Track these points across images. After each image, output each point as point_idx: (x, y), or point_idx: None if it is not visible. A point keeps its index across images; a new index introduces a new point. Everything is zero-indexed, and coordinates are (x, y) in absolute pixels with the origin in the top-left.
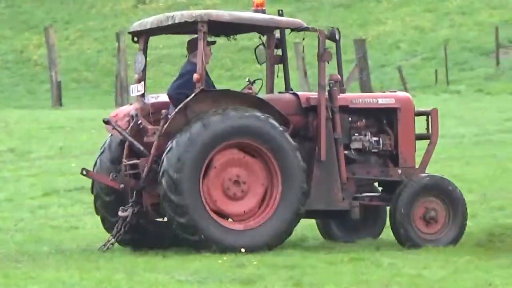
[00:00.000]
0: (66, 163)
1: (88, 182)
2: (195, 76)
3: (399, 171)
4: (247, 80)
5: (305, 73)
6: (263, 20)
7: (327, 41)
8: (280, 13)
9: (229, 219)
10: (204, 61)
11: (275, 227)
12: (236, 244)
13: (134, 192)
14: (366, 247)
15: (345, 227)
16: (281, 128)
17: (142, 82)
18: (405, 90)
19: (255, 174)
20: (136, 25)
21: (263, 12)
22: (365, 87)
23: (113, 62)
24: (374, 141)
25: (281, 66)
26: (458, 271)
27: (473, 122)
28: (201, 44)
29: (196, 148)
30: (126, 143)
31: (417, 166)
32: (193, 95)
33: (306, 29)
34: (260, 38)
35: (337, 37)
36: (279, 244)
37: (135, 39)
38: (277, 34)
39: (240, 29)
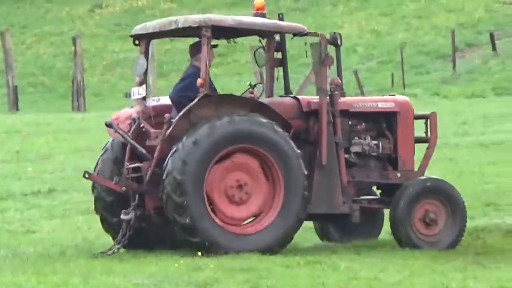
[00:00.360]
0: (22, 167)
1: (44, 186)
2: (199, 80)
3: (398, 175)
4: (248, 84)
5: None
6: (266, 25)
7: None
8: (281, 17)
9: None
10: (208, 65)
11: (276, 232)
12: (237, 248)
13: (137, 196)
14: (323, 250)
15: (343, 229)
16: (285, 134)
17: (144, 85)
18: (362, 93)
19: (258, 179)
20: (138, 29)
21: (263, 15)
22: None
23: (69, 66)
24: (374, 144)
25: (281, 69)
26: (414, 274)
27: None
28: (204, 49)
29: (201, 150)
30: (128, 146)
31: (416, 170)
32: (196, 99)
33: (308, 34)
34: (260, 41)
35: (339, 41)
36: (281, 249)
37: (136, 42)
38: (277, 37)
39: (241, 33)
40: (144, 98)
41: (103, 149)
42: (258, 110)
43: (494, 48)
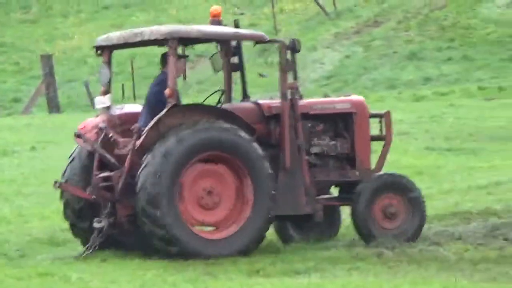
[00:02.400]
0: None
1: None
2: (167, 91)
3: (357, 173)
4: (218, 89)
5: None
6: (230, 35)
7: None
8: (236, 23)
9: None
10: (175, 76)
11: (249, 234)
12: (214, 253)
13: (108, 204)
14: (54, 262)
15: (301, 228)
16: (249, 138)
17: (109, 95)
18: (92, 105)
19: (227, 184)
20: (101, 40)
21: (219, 22)
22: (52, 102)
23: None
24: (332, 145)
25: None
26: (146, 285)
27: None
28: (172, 61)
29: (171, 162)
30: (96, 155)
31: (373, 167)
32: (165, 110)
33: (269, 41)
34: (216, 46)
35: (297, 47)
36: (253, 250)
37: (99, 52)
38: (233, 42)
39: (204, 41)
40: (108, 107)
41: (70, 157)
42: (223, 117)
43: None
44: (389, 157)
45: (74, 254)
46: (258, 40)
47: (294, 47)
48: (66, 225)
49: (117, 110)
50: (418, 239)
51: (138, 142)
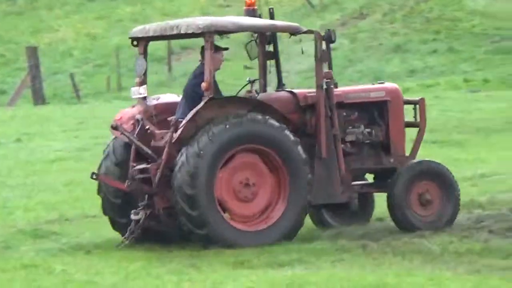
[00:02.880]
0: None
1: None
2: (203, 85)
3: (392, 160)
4: (247, 80)
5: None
6: (266, 27)
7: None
8: (271, 11)
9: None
10: (212, 69)
11: (288, 221)
12: (258, 244)
13: (146, 196)
14: (39, 253)
15: (336, 214)
16: (280, 126)
17: (145, 85)
18: (77, 97)
19: (263, 174)
20: (137, 31)
21: (254, 10)
22: (38, 95)
23: None
24: (367, 132)
25: (273, 62)
26: (129, 277)
27: None
28: (208, 54)
29: (205, 161)
30: (133, 147)
31: (407, 154)
32: (202, 103)
33: (305, 32)
34: (252, 34)
35: (333, 38)
36: (295, 236)
37: (135, 43)
38: None
39: (239, 31)
40: (144, 98)
41: (105, 150)
42: (257, 108)
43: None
44: None
45: (58, 246)
46: (294, 32)
47: (329, 38)
48: (50, 216)
49: (153, 101)
50: (403, 232)
51: (176, 135)
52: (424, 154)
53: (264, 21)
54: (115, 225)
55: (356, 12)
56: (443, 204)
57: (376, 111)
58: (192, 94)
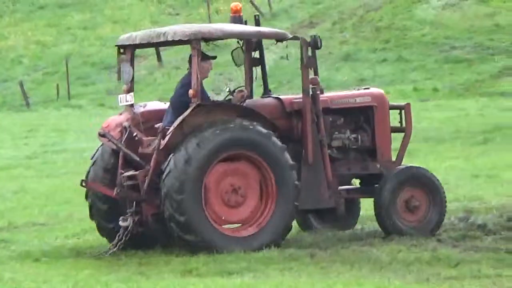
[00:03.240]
0: None
1: None
2: (191, 91)
3: (378, 165)
4: (227, 90)
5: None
6: (253, 33)
7: None
8: (257, 18)
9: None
10: (199, 77)
11: (276, 227)
12: (247, 249)
13: (134, 202)
14: None
15: (322, 219)
16: (267, 132)
17: (132, 93)
18: (27, 105)
19: (250, 180)
20: (124, 39)
21: (240, 18)
22: None
23: None
24: (353, 138)
25: (259, 68)
26: (78, 285)
27: (95, 136)
28: (195, 61)
29: (193, 168)
30: (121, 154)
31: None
32: (189, 110)
33: (290, 38)
34: (238, 41)
35: (319, 44)
36: (282, 240)
37: (121, 50)
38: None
39: (226, 38)
40: (132, 105)
41: (93, 157)
42: (243, 114)
43: (159, 59)
44: None
45: (7, 254)
46: (280, 38)
47: (315, 44)
48: None
49: (140, 108)
50: (352, 240)
51: (163, 142)
52: None
53: (251, 28)
54: (101, 230)
55: (305, 21)
56: (429, 210)
57: (362, 116)
58: (179, 103)
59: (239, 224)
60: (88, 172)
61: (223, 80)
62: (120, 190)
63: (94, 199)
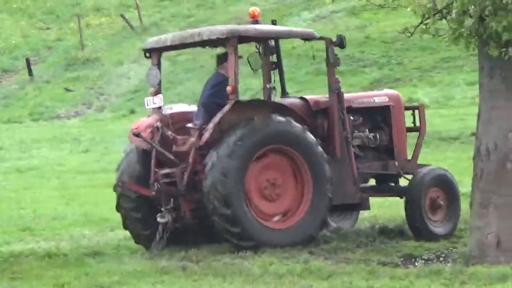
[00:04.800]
0: None
1: None
2: (229, 88)
3: (396, 164)
4: (268, 86)
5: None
6: (285, 33)
7: None
8: (274, 22)
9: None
10: (236, 73)
11: (313, 220)
12: (285, 242)
13: (171, 199)
14: None
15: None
16: (301, 127)
17: (160, 95)
18: None
19: (287, 174)
20: (153, 42)
21: (258, 22)
22: None
23: None
24: (372, 136)
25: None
26: None
27: None
28: (232, 59)
29: (236, 161)
30: (153, 153)
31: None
32: (228, 106)
33: (318, 38)
34: (256, 46)
35: (344, 43)
36: (319, 233)
37: (147, 54)
38: (272, 41)
39: (258, 40)
40: (159, 108)
41: (122, 160)
42: (278, 110)
43: (30, 73)
44: None
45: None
46: (309, 37)
47: (340, 43)
48: None
49: (168, 110)
50: (224, 253)
51: (204, 139)
52: None
53: (282, 28)
54: (137, 238)
55: None
56: (448, 211)
57: (380, 116)
58: (210, 104)
59: (278, 217)
60: (120, 173)
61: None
62: (160, 186)
63: (128, 209)
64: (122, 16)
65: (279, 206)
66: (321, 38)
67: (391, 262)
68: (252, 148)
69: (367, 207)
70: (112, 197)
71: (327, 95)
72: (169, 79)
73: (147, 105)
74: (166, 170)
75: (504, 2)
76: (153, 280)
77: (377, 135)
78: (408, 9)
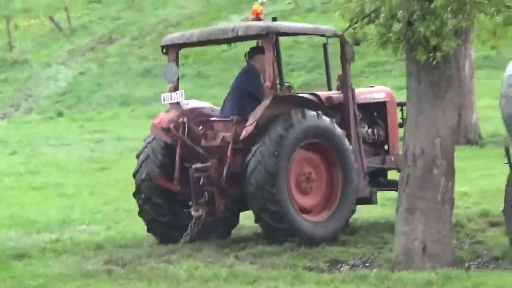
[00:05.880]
0: None
1: None
2: (267, 83)
3: (392, 158)
4: (287, 84)
5: None
6: (311, 29)
7: None
8: (274, 19)
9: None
10: (274, 69)
11: (345, 209)
12: (325, 236)
13: (205, 193)
14: None
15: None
16: (330, 119)
17: (181, 91)
18: None
19: (319, 168)
20: (174, 38)
21: (260, 19)
22: None
23: None
24: (371, 132)
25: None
26: None
27: None
28: (270, 54)
29: (285, 144)
30: (178, 148)
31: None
32: (267, 101)
33: (337, 36)
34: (257, 42)
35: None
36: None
37: (164, 50)
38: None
39: (290, 34)
40: (178, 103)
41: (143, 154)
42: (311, 105)
43: None
44: (120, 174)
45: None
46: (332, 35)
47: (357, 41)
48: None
49: (186, 106)
50: (150, 257)
51: (246, 132)
52: None
53: (309, 25)
54: (153, 225)
55: (105, 37)
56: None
57: (377, 112)
58: (241, 92)
59: (313, 211)
60: (139, 168)
61: None
62: (206, 180)
63: (154, 216)
64: (50, 18)
65: (313, 199)
66: (336, 35)
67: (317, 267)
68: (293, 144)
69: (375, 201)
70: (38, 199)
71: (335, 92)
72: (97, 82)
73: (164, 100)
74: (198, 165)
75: (432, 6)
76: (79, 283)
77: (375, 130)
78: (336, 13)
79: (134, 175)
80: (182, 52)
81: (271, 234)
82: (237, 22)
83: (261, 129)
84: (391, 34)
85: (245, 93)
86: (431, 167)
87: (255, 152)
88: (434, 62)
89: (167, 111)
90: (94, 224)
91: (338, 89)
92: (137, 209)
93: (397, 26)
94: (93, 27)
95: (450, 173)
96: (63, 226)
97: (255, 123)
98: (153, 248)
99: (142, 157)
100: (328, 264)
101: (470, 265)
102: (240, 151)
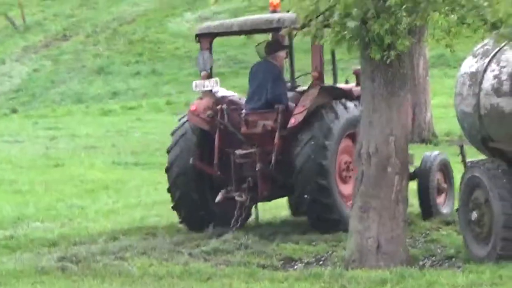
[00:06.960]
0: None
1: None
2: (315, 74)
3: None
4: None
5: None
6: None
7: None
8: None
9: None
10: (322, 60)
11: None
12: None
13: (249, 179)
14: None
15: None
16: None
17: (213, 79)
18: None
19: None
20: (207, 28)
21: (276, 12)
22: None
23: None
24: None
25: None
26: None
27: None
28: (317, 46)
29: (334, 136)
30: (217, 134)
31: None
32: (315, 91)
33: None
34: (269, 35)
35: None
36: None
37: (197, 39)
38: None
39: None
40: (211, 90)
41: (176, 140)
42: (344, 96)
43: None
44: (75, 171)
45: None
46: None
47: None
48: None
49: (219, 94)
50: (104, 254)
51: (294, 123)
52: (126, 177)
53: None
54: (190, 217)
55: (59, 34)
56: (448, 194)
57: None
58: (269, 82)
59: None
60: (171, 152)
61: None
62: (238, 167)
63: (188, 212)
64: (5, 15)
65: (351, 188)
66: None
67: (271, 265)
68: (340, 135)
69: None
70: None
71: (354, 84)
72: (51, 79)
73: (197, 87)
74: (243, 151)
75: (387, 5)
76: (33, 280)
77: None
78: (291, 11)
79: (167, 170)
80: (137, 48)
81: (320, 225)
82: (280, 13)
83: (307, 118)
84: (345, 32)
85: (275, 84)
86: (385, 165)
87: (306, 144)
88: (388, 61)
89: (200, 98)
90: (48, 221)
91: (357, 83)
92: (125, 205)
93: (351, 24)
94: (47, 24)
95: (404, 172)
96: (17, 223)
97: (305, 111)
98: (107, 245)
99: (175, 151)
100: (282, 262)
101: (424, 263)
102: (284, 139)
